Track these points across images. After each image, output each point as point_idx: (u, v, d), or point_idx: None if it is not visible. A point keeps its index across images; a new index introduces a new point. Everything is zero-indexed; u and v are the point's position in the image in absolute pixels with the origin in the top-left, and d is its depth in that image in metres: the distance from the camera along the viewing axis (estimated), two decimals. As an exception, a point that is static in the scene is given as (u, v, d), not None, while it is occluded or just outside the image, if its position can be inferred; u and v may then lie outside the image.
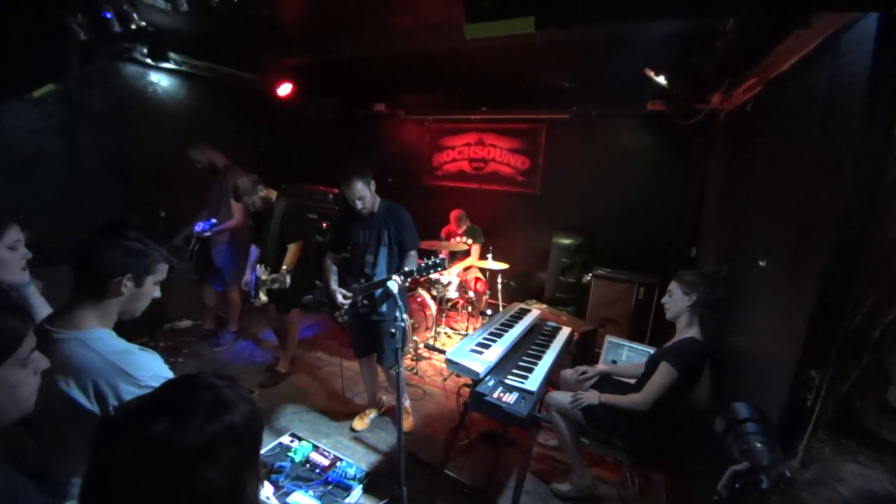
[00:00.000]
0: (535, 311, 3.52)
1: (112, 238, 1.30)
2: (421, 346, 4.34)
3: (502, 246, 5.14)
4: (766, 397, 1.71)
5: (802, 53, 2.02)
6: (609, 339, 3.85)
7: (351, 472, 2.57)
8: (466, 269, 5.08)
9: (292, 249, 3.47)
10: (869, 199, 1.33)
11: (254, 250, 3.75)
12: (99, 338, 1.26)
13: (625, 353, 3.72)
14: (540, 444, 3.07)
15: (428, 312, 4.47)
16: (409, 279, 2.58)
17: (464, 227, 5.14)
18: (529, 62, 3.94)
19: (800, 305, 1.58)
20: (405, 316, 2.29)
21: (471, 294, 4.89)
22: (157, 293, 1.42)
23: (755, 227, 2.42)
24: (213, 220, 4.00)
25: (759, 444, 1.41)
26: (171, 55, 4.16)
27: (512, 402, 2.23)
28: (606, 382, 2.82)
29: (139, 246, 1.33)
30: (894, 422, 1.22)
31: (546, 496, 2.69)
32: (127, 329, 1.36)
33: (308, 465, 2.61)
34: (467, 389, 2.68)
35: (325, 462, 2.63)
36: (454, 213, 5.14)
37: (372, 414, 3.33)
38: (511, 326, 3.08)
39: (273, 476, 2.47)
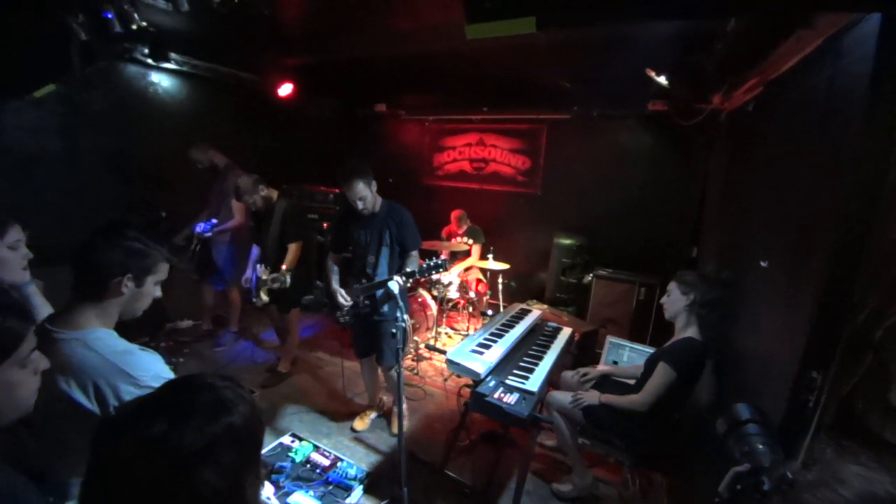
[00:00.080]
0: (536, 312, 3.52)
1: (112, 238, 1.30)
2: (422, 346, 4.34)
3: (503, 246, 5.13)
4: (767, 398, 1.71)
5: (804, 54, 2.02)
6: (610, 339, 3.84)
7: (351, 472, 2.57)
8: (467, 269, 5.08)
9: (293, 249, 3.47)
10: (870, 199, 1.33)
11: (255, 249, 3.76)
12: (99, 338, 1.26)
13: (626, 354, 3.71)
14: (539, 445, 3.07)
15: (429, 313, 4.47)
16: (410, 280, 2.58)
17: (464, 228, 5.13)
18: (530, 62, 3.94)
19: (801, 306, 1.58)
20: (406, 316, 2.29)
21: (472, 294, 4.89)
22: (158, 293, 1.42)
23: (756, 228, 2.42)
24: (214, 221, 4.01)
25: (760, 446, 1.41)
26: (172, 55, 4.17)
27: (513, 403, 2.22)
28: (607, 383, 2.82)
29: (139, 246, 1.33)
30: (896, 423, 1.22)
31: (547, 497, 2.69)
32: (128, 329, 1.36)
33: (309, 466, 2.61)
34: (468, 390, 2.68)
35: (326, 462, 2.63)
36: (455, 214, 5.13)
37: (372, 414, 3.33)
38: (512, 327, 3.07)
39: (274, 476, 2.47)
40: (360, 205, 2.71)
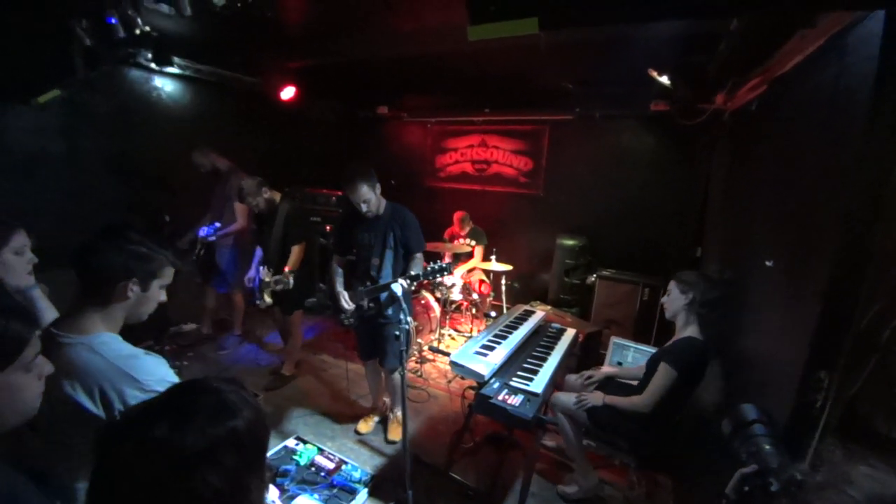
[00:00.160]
0: (540, 313, 3.52)
1: (116, 242, 1.30)
2: (425, 348, 4.34)
3: (506, 247, 5.13)
4: (773, 399, 1.70)
5: (807, 53, 2.01)
6: (614, 340, 3.83)
7: (356, 475, 2.57)
8: (470, 271, 5.07)
9: (296, 251, 3.48)
10: (875, 199, 1.32)
11: (259, 251, 3.77)
12: (105, 342, 1.26)
13: (630, 355, 3.70)
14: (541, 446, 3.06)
15: (432, 315, 4.47)
16: (415, 283, 2.57)
17: (467, 229, 5.13)
18: (532, 63, 3.94)
19: (807, 306, 1.57)
20: (409, 318, 2.29)
21: (475, 296, 4.89)
22: (163, 297, 1.42)
23: (760, 228, 2.40)
24: (218, 225, 4.03)
25: (767, 447, 1.40)
26: (175, 59, 4.18)
27: (517, 405, 2.22)
28: (611, 384, 2.81)
29: (144, 250, 1.33)
30: (905, 424, 1.21)
31: (552, 499, 2.68)
32: (132, 332, 1.36)
33: (313, 469, 2.61)
34: (472, 392, 2.68)
35: (330, 465, 2.63)
36: (457, 215, 5.13)
37: (376, 417, 3.32)
38: (515, 328, 3.07)
39: (278, 479, 2.48)
40: (364, 207, 2.71)
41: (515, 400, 2.25)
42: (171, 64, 4.15)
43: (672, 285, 2.55)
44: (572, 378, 2.92)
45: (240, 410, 0.77)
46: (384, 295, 2.80)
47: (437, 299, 4.59)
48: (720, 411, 2.25)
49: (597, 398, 2.50)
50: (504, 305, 5.10)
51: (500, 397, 2.27)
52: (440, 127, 6.23)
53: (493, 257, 4.84)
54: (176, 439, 0.69)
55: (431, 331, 4.53)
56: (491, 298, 5.18)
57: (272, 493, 1.97)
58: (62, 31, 3.00)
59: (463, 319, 5.18)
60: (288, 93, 4.95)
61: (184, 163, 4.05)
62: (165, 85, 4.40)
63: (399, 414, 3.18)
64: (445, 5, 2.83)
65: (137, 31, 2.98)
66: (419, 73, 4.60)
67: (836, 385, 1.35)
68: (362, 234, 2.87)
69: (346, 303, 2.85)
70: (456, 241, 5.13)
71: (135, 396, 1.21)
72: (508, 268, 4.83)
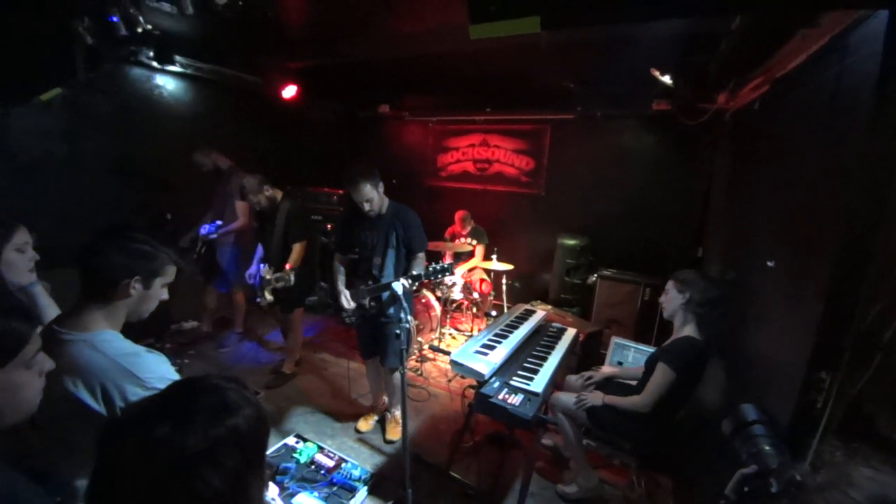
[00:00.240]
0: (541, 313, 3.52)
1: (119, 240, 1.31)
2: (426, 347, 4.34)
3: (507, 247, 5.13)
4: (774, 400, 1.70)
5: (810, 52, 2.01)
6: (615, 340, 3.83)
7: (356, 473, 2.58)
8: (471, 270, 5.07)
9: (297, 249, 3.49)
10: (878, 199, 1.32)
11: (261, 248, 3.77)
12: (107, 339, 1.27)
13: (630, 355, 3.70)
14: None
15: (433, 314, 4.47)
16: (416, 283, 2.57)
17: (468, 229, 5.13)
18: (533, 63, 3.94)
19: (809, 306, 1.57)
20: (410, 317, 2.29)
21: (475, 295, 4.89)
22: (165, 295, 1.43)
23: (762, 228, 2.40)
24: (219, 223, 4.03)
25: (767, 447, 1.40)
26: (177, 58, 4.19)
27: (517, 404, 2.22)
28: (611, 384, 2.80)
29: (147, 248, 1.34)
30: (906, 425, 1.21)
31: (552, 498, 2.67)
32: (133, 330, 1.37)
33: (313, 467, 2.62)
34: (472, 391, 2.67)
35: (330, 463, 2.64)
36: (459, 215, 5.13)
37: (377, 416, 3.33)
38: (516, 328, 3.07)
39: (278, 477, 2.48)
40: (367, 206, 2.71)
41: (515, 399, 2.25)
42: (172, 62, 4.16)
43: (670, 285, 2.55)
44: (572, 378, 2.92)
45: (240, 409, 0.77)
46: (386, 294, 2.79)
47: (438, 298, 4.59)
48: (721, 411, 2.24)
49: (596, 398, 2.50)
50: (505, 305, 5.11)
51: (501, 396, 2.27)
52: (441, 126, 6.23)
53: (493, 256, 4.84)
54: (177, 439, 0.69)
55: (432, 329, 4.53)
56: (492, 298, 5.18)
57: (272, 490, 1.97)
58: (64, 31, 3.00)
59: (463, 318, 5.18)
60: (289, 92, 4.96)
61: (185, 162, 4.05)
62: (167, 84, 4.40)
63: (397, 414, 3.18)
64: (446, 5, 2.83)
65: (139, 30, 3.00)
66: (420, 72, 4.60)
67: (838, 385, 1.35)
68: (365, 233, 2.87)
69: (348, 301, 2.85)
70: (457, 241, 5.13)
71: (136, 394, 1.21)
72: (509, 267, 4.83)
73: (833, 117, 1.69)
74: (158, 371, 1.27)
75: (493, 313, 4.78)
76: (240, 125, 5.08)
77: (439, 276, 2.59)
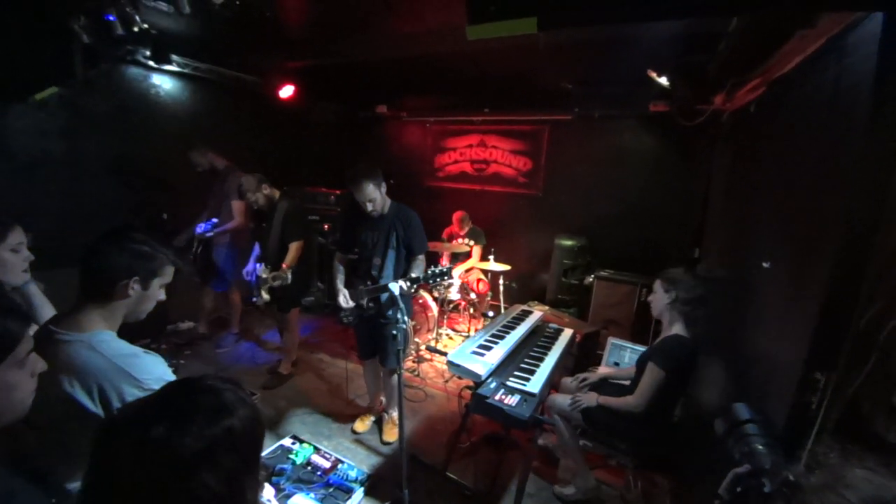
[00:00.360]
0: (538, 313, 3.52)
1: (120, 241, 1.31)
2: (422, 347, 4.33)
3: (504, 247, 5.13)
4: (770, 400, 1.70)
5: (807, 53, 2.01)
6: (612, 340, 3.83)
7: (352, 474, 2.57)
8: (468, 270, 5.07)
9: (294, 248, 3.48)
10: (875, 199, 1.32)
11: (257, 247, 3.77)
12: (104, 340, 1.26)
13: (627, 356, 3.70)
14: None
15: (430, 314, 4.47)
16: (414, 285, 2.57)
17: (466, 229, 5.13)
18: (531, 64, 3.94)
19: (805, 307, 1.57)
20: (406, 318, 2.28)
21: (473, 296, 4.89)
22: (162, 296, 1.43)
23: (759, 229, 2.41)
24: (215, 220, 4.02)
25: (760, 447, 1.40)
26: (174, 57, 4.18)
27: (514, 405, 2.22)
28: (606, 385, 2.81)
29: (147, 249, 1.34)
30: (902, 426, 1.21)
31: (549, 499, 2.67)
32: (129, 330, 1.36)
33: (309, 468, 2.61)
34: (469, 392, 2.67)
35: (327, 464, 2.63)
36: (457, 215, 5.13)
37: (374, 416, 3.32)
38: (513, 328, 3.07)
39: (274, 478, 2.47)
40: (369, 206, 2.71)
41: (512, 400, 2.25)
42: (169, 62, 4.14)
43: (657, 284, 2.55)
44: (567, 381, 2.92)
45: (236, 410, 0.77)
46: (385, 295, 2.79)
47: (435, 299, 4.59)
48: (718, 412, 2.25)
49: (591, 399, 2.50)
50: (502, 305, 5.10)
51: (497, 397, 2.27)
52: (440, 126, 6.23)
53: (491, 257, 4.84)
54: (174, 441, 0.68)
55: (429, 330, 4.52)
56: (489, 298, 5.18)
57: (268, 491, 1.96)
58: (62, 30, 2.99)
59: (461, 319, 5.17)
60: (287, 91, 4.95)
61: (183, 162, 4.04)
62: (164, 83, 4.39)
63: (395, 415, 3.18)
64: (445, 6, 2.83)
65: (136, 29, 2.98)
66: (419, 73, 4.60)
67: (833, 386, 1.35)
68: (366, 233, 2.86)
69: (346, 300, 2.84)
70: (455, 241, 5.13)
71: (133, 395, 1.21)
72: (507, 268, 4.83)
73: (831, 118, 1.70)
74: (156, 372, 1.27)
75: (490, 314, 4.78)
76: (238, 125, 5.07)
77: (438, 279, 2.58)
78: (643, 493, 2.71)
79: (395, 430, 3.10)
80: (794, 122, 2.14)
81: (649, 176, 4.90)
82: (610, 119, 4.99)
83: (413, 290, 2.66)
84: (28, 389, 0.96)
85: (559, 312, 4.52)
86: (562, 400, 2.60)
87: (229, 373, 3.87)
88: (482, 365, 2.43)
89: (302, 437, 2.88)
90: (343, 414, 3.39)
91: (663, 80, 3.50)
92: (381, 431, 3.20)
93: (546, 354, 2.83)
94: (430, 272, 2.56)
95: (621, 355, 3.74)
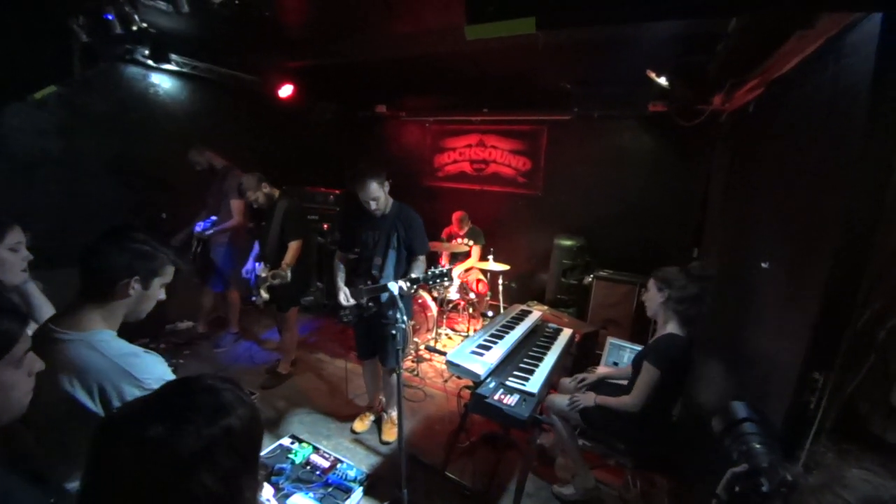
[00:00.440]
0: (537, 313, 3.52)
1: (120, 240, 1.31)
2: (422, 347, 4.33)
3: (503, 247, 5.13)
4: (768, 400, 1.70)
5: (805, 54, 2.01)
6: (611, 340, 3.84)
7: (351, 473, 2.56)
8: (467, 270, 5.07)
9: (293, 247, 3.48)
10: (874, 199, 1.32)
11: (257, 246, 3.77)
12: (104, 339, 1.26)
13: (626, 355, 3.70)
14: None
15: (429, 314, 4.47)
16: (414, 286, 2.56)
17: (465, 229, 5.13)
18: (531, 64, 3.94)
19: (804, 307, 1.57)
20: (405, 318, 2.28)
21: (472, 295, 4.89)
22: (162, 295, 1.43)
23: (758, 229, 2.41)
24: (214, 218, 4.02)
25: (757, 445, 1.40)
26: (173, 57, 4.17)
27: (513, 405, 2.22)
28: (603, 385, 2.81)
29: (147, 248, 1.34)
30: (900, 426, 1.21)
31: (548, 499, 2.68)
32: (128, 330, 1.36)
33: (308, 467, 2.60)
34: (468, 391, 2.67)
35: (326, 464, 2.62)
36: (456, 215, 5.13)
37: (373, 416, 3.32)
38: (512, 328, 3.07)
39: (273, 478, 2.47)
40: (372, 205, 2.71)
41: (511, 400, 2.25)
42: (168, 61, 4.14)
43: (650, 283, 2.55)
44: (566, 381, 2.92)
45: (234, 409, 0.77)
46: (385, 295, 2.78)
47: (434, 298, 4.59)
48: (716, 412, 2.25)
49: (588, 399, 2.50)
50: (501, 305, 5.11)
51: (496, 397, 2.27)
52: (439, 126, 6.22)
53: (490, 257, 4.84)
54: (173, 440, 0.68)
55: (428, 330, 4.52)
56: (488, 298, 5.18)
57: (267, 491, 1.96)
58: (61, 29, 2.99)
59: (460, 319, 5.17)
60: (286, 91, 4.95)
61: (182, 161, 4.05)
62: (163, 82, 4.39)
63: (394, 415, 3.18)
64: (445, 6, 2.83)
65: (135, 28, 2.98)
66: (418, 73, 4.60)
67: (831, 386, 1.35)
68: (367, 232, 2.86)
69: (346, 298, 2.84)
70: (454, 241, 5.13)
71: (134, 395, 1.20)
72: (506, 267, 4.84)
73: (829, 119, 1.70)
74: (156, 372, 1.27)
75: (490, 314, 4.78)
76: (238, 124, 5.06)
77: (438, 280, 2.58)
78: (642, 492, 2.71)
79: (394, 430, 3.12)
80: (793, 122, 2.14)
81: (648, 176, 4.90)
82: (609, 119, 4.98)
83: (413, 291, 2.66)
84: (25, 389, 0.96)
85: (558, 312, 4.52)
86: (560, 400, 2.60)
87: (228, 372, 3.86)
88: (481, 365, 2.44)
89: (301, 437, 2.88)
90: (342, 414, 3.39)
91: (662, 81, 3.51)
92: (380, 431, 3.20)
93: (545, 354, 2.84)
94: (430, 273, 2.55)
95: (620, 355, 3.74)
